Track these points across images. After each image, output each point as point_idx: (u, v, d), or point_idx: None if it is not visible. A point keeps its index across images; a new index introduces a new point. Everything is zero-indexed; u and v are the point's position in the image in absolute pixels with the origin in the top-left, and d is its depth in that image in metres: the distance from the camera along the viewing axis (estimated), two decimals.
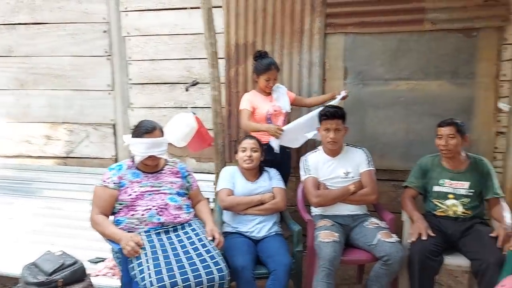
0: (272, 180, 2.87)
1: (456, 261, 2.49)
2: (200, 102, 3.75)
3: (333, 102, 3.04)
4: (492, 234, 2.41)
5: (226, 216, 2.83)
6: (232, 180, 2.83)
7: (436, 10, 3.26)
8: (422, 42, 3.33)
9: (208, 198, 3.41)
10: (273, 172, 2.93)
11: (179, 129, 3.15)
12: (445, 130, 2.61)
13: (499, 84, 3.26)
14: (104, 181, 2.32)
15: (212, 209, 3.12)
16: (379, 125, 3.49)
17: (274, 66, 3.08)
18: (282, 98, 3.19)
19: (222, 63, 3.53)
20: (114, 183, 2.31)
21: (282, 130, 2.93)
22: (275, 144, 2.96)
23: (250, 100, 3.13)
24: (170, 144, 3.25)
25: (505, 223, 2.46)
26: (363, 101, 3.49)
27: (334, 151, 2.81)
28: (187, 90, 3.40)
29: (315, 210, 2.86)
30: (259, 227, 2.70)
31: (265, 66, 3.06)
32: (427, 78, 3.36)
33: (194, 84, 3.44)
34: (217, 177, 3.09)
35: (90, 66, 3.99)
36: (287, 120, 3.23)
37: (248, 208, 2.73)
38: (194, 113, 3.24)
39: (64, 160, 4.23)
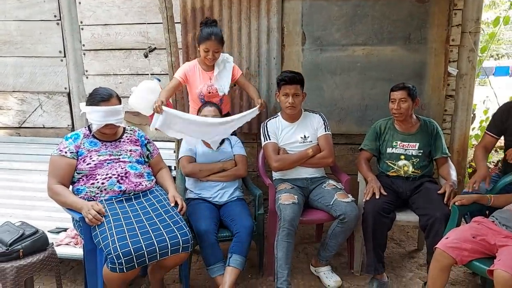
0: (233, 148, 2.91)
1: (406, 217, 2.65)
2: (157, 69, 3.67)
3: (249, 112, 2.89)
4: (439, 191, 2.56)
5: (189, 182, 2.86)
6: (194, 148, 2.84)
7: None
8: (377, 8, 3.37)
9: (170, 166, 3.42)
10: (234, 139, 2.96)
11: (145, 97, 3.03)
12: (397, 94, 2.71)
13: (448, 48, 3.38)
14: (61, 151, 2.26)
15: (174, 177, 3.14)
16: (337, 91, 3.55)
17: (215, 36, 2.77)
18: (223, 76, 2.94)
19: (179, 28, 3.44)
20: (71, 152, 2.26)
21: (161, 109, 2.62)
22: (153, 122, 2.64)
23: (185, 70, 2.90)
24: (137, 113, 3.18)
25: (451, 180, 2.64)
26: (321, 67, 3.52)
27: (292, 117, 2.86)
28: (146, 56, 3.30)
29: (275, 174, 2.94)
30: (221, 192, 2.76)
31: (205, 35, 2.77)
32: (382, 44, 3.42)
33: (151, 50, 3.35)
34: (177, 145, 3.08)
35: (39, 31, 3.81)
36: (226, 103, 3.08)
37: (210, 175, 2.77)
38: (159, 80, 3.17)
39: (17, 130, 4.07)
